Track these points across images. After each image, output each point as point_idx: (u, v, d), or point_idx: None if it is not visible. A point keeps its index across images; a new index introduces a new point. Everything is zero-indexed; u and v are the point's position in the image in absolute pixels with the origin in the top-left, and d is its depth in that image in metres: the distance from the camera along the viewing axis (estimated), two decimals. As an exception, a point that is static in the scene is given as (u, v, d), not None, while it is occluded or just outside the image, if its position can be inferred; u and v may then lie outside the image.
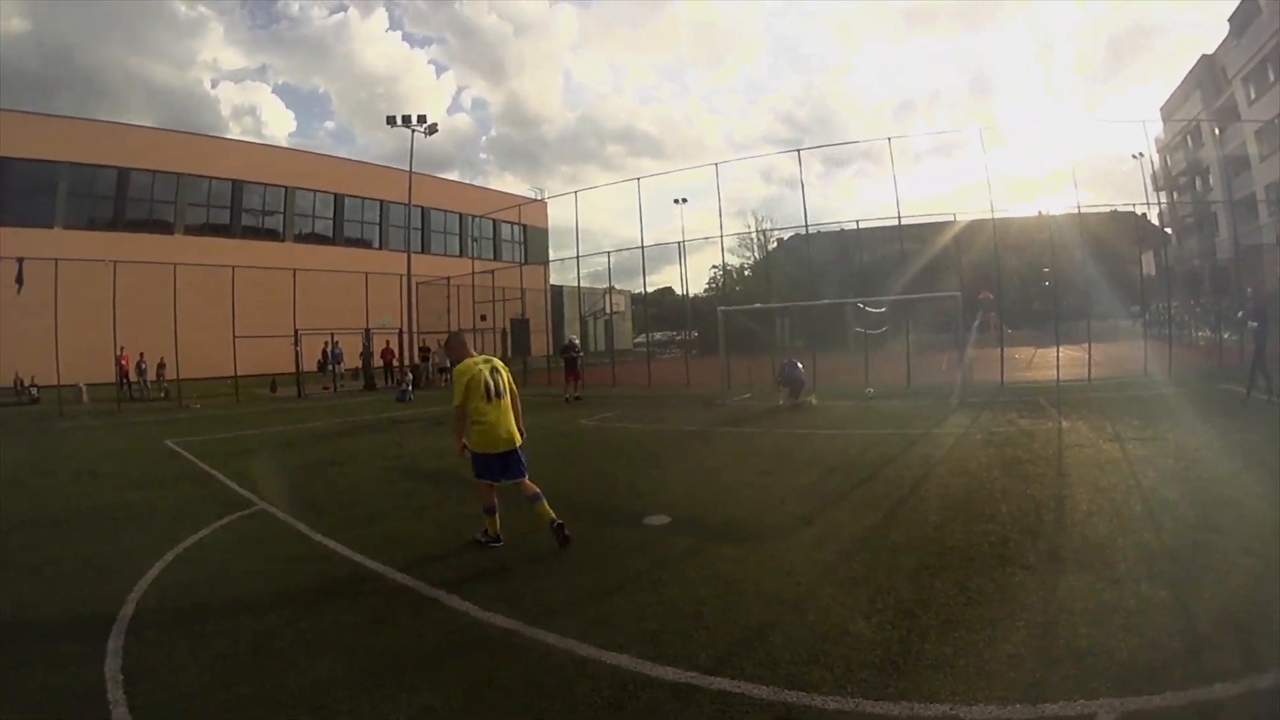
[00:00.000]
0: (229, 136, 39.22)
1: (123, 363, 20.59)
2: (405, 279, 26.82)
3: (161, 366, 21.54)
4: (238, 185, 32.09)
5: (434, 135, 28.17)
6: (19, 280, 18.58)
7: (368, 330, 25.80)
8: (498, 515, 4.98)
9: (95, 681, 3.11)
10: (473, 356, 5.09)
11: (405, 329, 26.99)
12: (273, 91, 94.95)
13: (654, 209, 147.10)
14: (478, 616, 3.68)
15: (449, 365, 6.83)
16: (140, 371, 21.74)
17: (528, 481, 5.00)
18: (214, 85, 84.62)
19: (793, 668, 2.92)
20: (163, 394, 20.77)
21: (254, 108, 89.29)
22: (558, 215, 49.00)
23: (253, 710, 2.87)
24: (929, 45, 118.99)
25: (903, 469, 6.93)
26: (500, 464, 4.94)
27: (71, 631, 3.71)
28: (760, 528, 5.13)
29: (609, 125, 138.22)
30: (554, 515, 4.88)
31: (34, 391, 20.89)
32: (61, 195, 27.48)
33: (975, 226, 18.46)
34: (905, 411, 11.37)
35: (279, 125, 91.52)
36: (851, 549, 4.47)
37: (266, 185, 33.20)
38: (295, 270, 22.69)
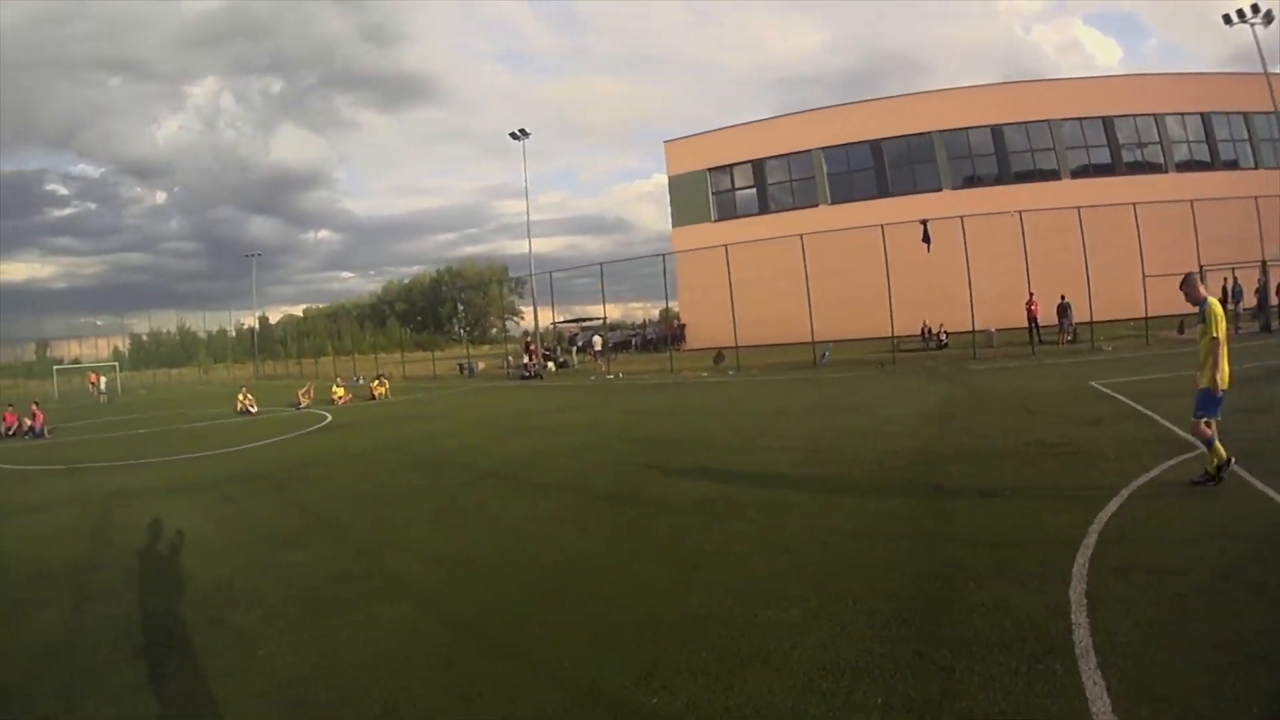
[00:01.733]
0: (1058, 78, 37.90)
1: (1031, 309, 21.50)
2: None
3: (1066, 308, 21.93)
4: (1108, 121, 31.00)
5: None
6: (926, 239, 21.88)
7: (1264, 263, 20.89)
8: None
9: (1059, 602, 3.53)
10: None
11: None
12: (1084, 23, 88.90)
13: None
14: None
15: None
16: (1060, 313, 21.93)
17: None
18: (1027, 32, 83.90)
19: None
20: (1070, 337, 21.58)
21: (1074, 42, 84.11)
22: None
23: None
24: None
25: None
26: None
27: (1039, 554, 4.23)
28: None
29: None
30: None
31: (942, 338, 23.84)
32: (941, 161, 32.90)
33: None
34: None
35: (1105, 55, 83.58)
36: None
37: (1135, 116, 30.96)
38: (1192, 201, 20.60)
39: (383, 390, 23.65)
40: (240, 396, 21.31)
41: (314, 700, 3.37)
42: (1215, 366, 5.30)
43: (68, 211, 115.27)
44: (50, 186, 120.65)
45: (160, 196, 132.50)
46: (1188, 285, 5.58)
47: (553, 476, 8.35)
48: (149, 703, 3.47)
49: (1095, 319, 20.53)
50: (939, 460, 7.44)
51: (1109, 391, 11.12)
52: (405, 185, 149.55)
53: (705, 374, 22.98)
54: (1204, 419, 5.33)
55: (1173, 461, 6.32)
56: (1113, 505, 5.13)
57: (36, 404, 19.92)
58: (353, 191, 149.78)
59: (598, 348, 33.96)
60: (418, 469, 9.70)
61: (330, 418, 17.96)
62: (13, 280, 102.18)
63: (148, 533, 6.88)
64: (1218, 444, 5.32)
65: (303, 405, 21.43)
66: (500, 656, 3.68)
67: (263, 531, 6.69)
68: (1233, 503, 5.11)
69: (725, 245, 24.24)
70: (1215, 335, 5.28)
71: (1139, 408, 9.31)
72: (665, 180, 40.89)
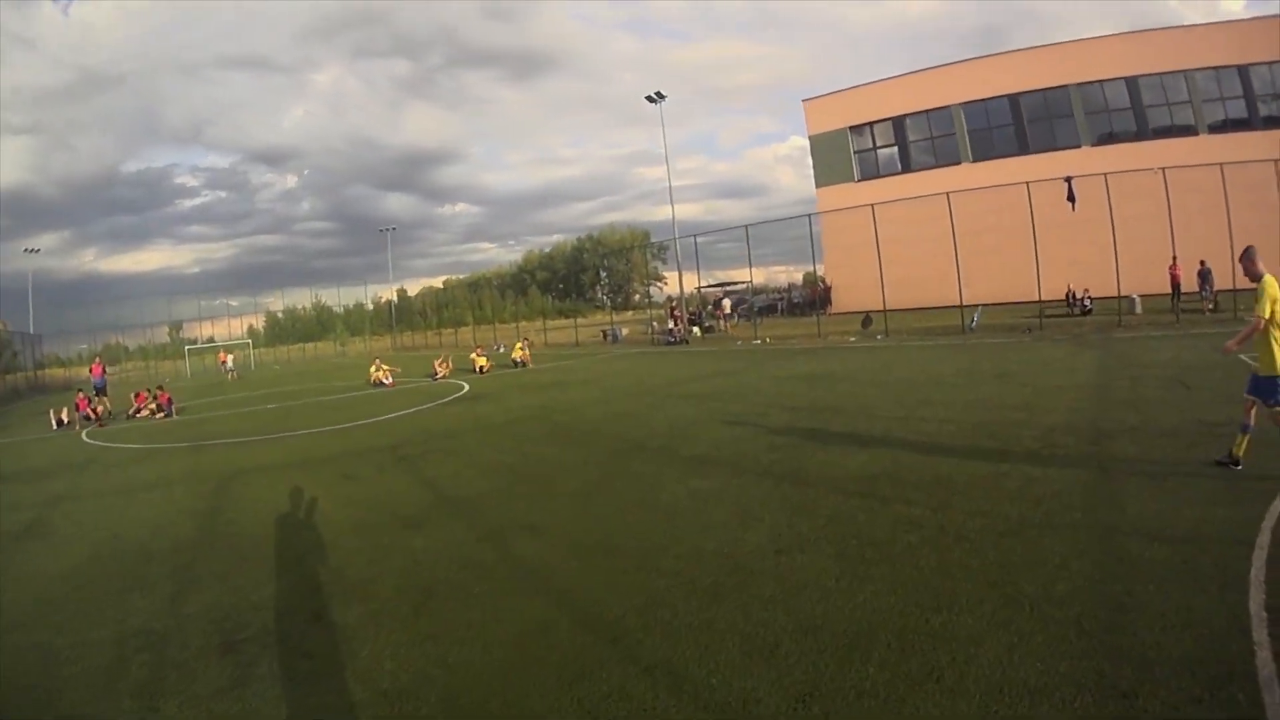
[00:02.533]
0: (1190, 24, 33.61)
1: (1174, 273, 20.23)
2: None
3: (1207, 274, 20.00)
4: (1243, 71, 27.86)
5: None
6: (1071, 198, 20.84)
7: None
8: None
9: (1239, 615, 3.17)
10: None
11: None
12: None
13: None
14: None
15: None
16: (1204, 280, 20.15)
17: None
18: None
19: None
20: (1211, 305, 19.74)
21: None
22: None
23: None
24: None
25: None
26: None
27: (1215, 553, 3.85)
28: None
29: None
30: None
31: (1087, 303, 22.50)
32: (1079, 116, 30.32)
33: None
34: None
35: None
36: None
37: (1271, 63, 27.53)
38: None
39: (525, 355, 22.90)
40: (373, 368, 20.74)
41: (416, 715, 3.02)
42: (1269, 350, 5.18)
43: (198, 201, 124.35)
44: (180, 179, 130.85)
45: (291, 180, 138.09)
46: (1246, 260, 5.46)
47: (706, 449, 7.86)
48: (230, 708, 3.22)
49: (1237, 287, 18.28)
50: (1104, 437, 6.84)
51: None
52: (542, 156, 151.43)
53: (853, 338, 22.17)
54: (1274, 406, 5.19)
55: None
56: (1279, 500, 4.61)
57: (161, 386, 20.51)
58: (489, 165, 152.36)
59: (726, 310, 33.28)
60: (561, 441, 9.31)
61: (468, 387, 17.43)
62: (146, 269, 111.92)
63: (263, 514, 6.69)
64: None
65: (440, 376, 20.64)
66: (641, 670, 3.23)
67: (384, 512, 6.33)
68: None
69: (871, 205, 23.30)
70: (1259, 314, 5.17)
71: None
72: (803, 142, 40.14)
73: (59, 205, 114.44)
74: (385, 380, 20.12)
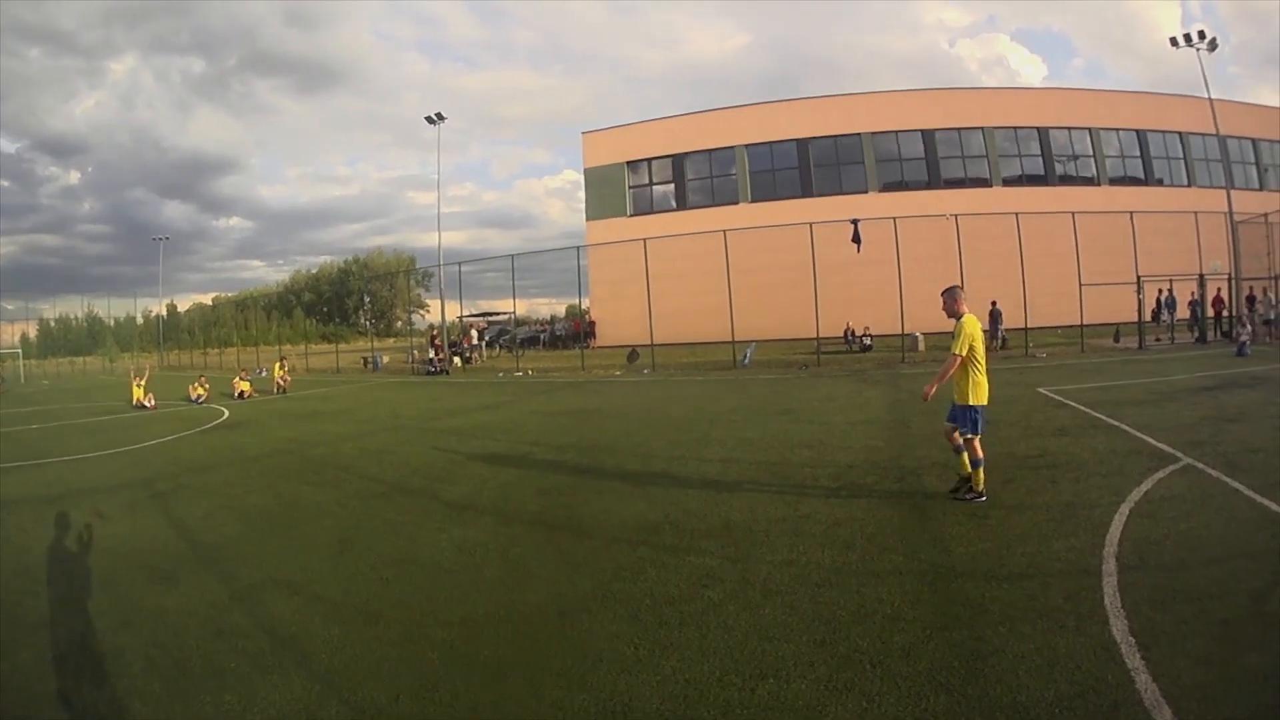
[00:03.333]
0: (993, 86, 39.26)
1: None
2: (1228, 218, 23.57)
3: (997, 314, 21.62)
4: (1043, 132, 32.15)
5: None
6: (856, 239, 21.17)
7: (1201, 276, 22.26)
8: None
9: (1107, 644, 3.14)
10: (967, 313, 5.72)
11: (1231, 274, 23.17)
12: (1011, 39, 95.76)
13: None
14: None
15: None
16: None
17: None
18: (951, 45, 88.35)
19: None
20: (1000, 343, 21.29)
21: (1000, 59, 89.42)
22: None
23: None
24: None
25: None
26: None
27: (1063, 586, 3.83)
28: None
29: None
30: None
31: (867, 340, 22.86)
32: (870, 163, 33.00)
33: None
34: None
35: (1030, 71, 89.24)
36: None
37: (1070, 128, 32.11)
38: (1132, 213, 21.24)
39: (284, 377, 21.65)
40: (136, 388, 19.31)
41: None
42: (966, 382, 5.64)
43: None
44: None
45: (75, 176, 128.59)
46: (948, 297, 5.83)
47: (470, 493, 7.16)
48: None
49: (1027, 325, 20.73)
50: (908, 474, 6.73)
51: (1061, 399, 10.95)
52: (318, 172, 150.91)
53: (619, 372, 21.83)
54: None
55: (1161, 474, 6.08)
56: (1116, 525, 4.79)
57: None
58: (266, 178, 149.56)
59: (473, 340, 32.61)
60: (316, 479, 8.40)
61: (227, 414, 16.29)
62: None
63: (3, 564, 5.62)
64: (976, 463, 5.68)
65: (197, 398, 19.44)
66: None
67: (132, 562, 5.42)
68: (1236, 517, 4.92)
69: (644, 239, 23.41)
70: (956, 352, 5.60)
71: (1100, 416, 9.16)
72: (576, 176, 40.37)
73: None
74: (147, 403, 18.65)
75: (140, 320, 61.29)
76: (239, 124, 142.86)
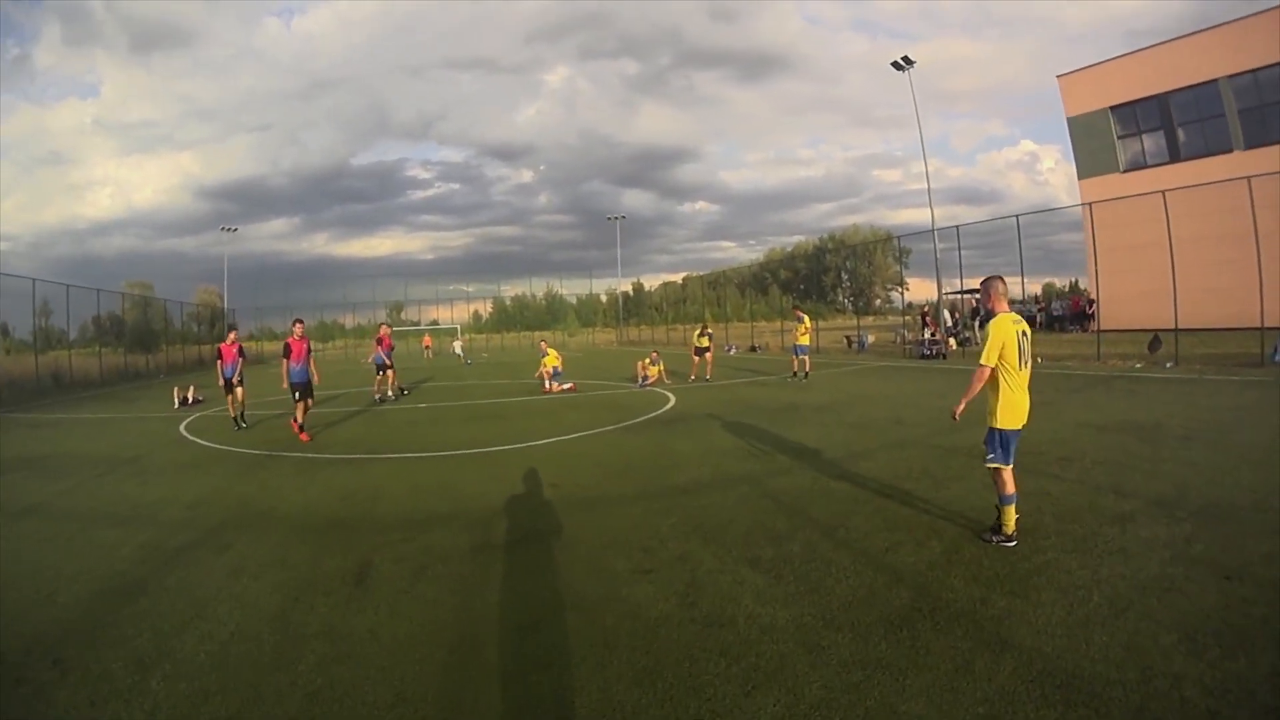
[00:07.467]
0: None
1: None
2: None
3: None
4: None
5: None
6: None
7: None
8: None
9: None
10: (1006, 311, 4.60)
11: None
12: None
13: None
14: None
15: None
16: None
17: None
18: None
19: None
20: None
21: None
22: None
23: None
24: None
25: None
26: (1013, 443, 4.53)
27: None
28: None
29: None
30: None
31: None
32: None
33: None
34: None
35: None
36: None
37: None
38: None
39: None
40: (543, 364, 16.63)
41: None
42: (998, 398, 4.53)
43: (430, 192, 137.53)
44: (411, 172, 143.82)
45: (527, 175, 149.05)
46: (985, 293, 4.83)
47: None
48: None
49: None
50: None
51: None
52: (780, 156, 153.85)
53: (1139, 365, 17.09)
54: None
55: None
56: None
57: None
58: (727, 164, 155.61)
59: (949, 323, 27.62)
60: (811, 526, 5.27)
61: (673, 401, 13.62)
62: (379, 254, 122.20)
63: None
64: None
65: (648, 381, 17.05)
66: None
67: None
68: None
69: (1162, 191, 18.55)
70: (983, 362, 4.54)
71: None
72: (1034, 147, 33.47)
73: (289, 194, 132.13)
74: (547, 383, 16.22)
75: (604, 297, 64.79)
76: (687, 116, 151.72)
